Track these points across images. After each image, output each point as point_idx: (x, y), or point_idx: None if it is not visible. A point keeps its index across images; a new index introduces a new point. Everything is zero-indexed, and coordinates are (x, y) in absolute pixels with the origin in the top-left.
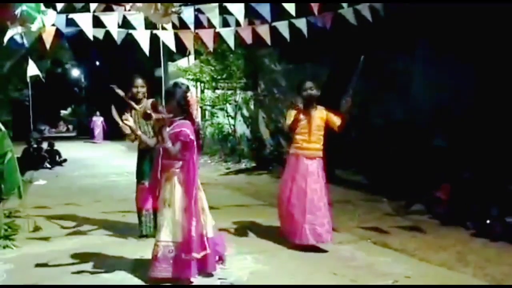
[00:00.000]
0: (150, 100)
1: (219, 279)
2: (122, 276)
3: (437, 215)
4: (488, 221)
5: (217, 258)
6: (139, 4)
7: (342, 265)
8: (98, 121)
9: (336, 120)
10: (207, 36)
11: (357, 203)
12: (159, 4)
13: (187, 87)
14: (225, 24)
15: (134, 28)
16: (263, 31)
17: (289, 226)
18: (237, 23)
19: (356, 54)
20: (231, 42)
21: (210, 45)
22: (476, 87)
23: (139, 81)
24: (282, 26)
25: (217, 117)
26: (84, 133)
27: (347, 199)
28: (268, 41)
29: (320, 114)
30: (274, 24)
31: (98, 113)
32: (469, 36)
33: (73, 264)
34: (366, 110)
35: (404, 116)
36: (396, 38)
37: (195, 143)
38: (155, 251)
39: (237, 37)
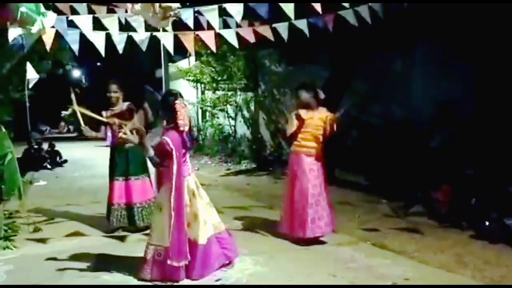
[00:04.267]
0: (126, 103)
1: (217, 280)
2: (121, 277)
3: (436, 216)
4: (487, 223)
5: (226, 262)
6: (137, 8)
7: (341, 266)
8: None
9: (331, 126)
10: (208, 37)
11: (356, 204)
12: (157, 8)
13: (175, 96)
14: (225, 25)
15: (133, 30)
16: (264, 30)
17: (292, 221)
18: (237, 24)
19: (356, 55)
20: (234, 42)
21: (213, 46)
22: (476, 88)
23: (113, 87)
24: (282, 27)
25: (218, 118)
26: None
27: (347, 200)
28: (271, 38)
29: (321, 115)
30: (274, 25)
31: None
32: (469, 36)
33: (72, 265)
34: (366, 110)
35: (404, 117)
36: (396, 39)
37: (174, 152)
38: (145, 253)
39: (238, 38)
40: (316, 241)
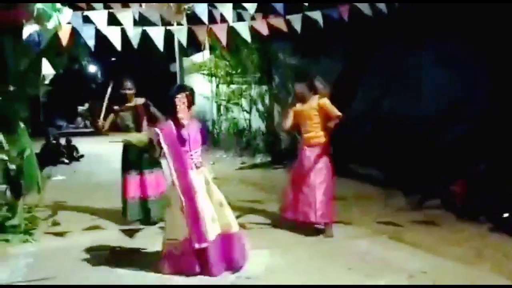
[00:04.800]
0: (141, 99)
1: (233, 273)
2: (137, 271)
3: (453, 209)
4: (506, 215)
5: (230, 267)
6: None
7: (357, 259)
8: None
9: (331, 108)
10: (220, 30)
11: (372, 197)
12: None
13: (178, 90)
14: (239, 19)
15: (148, 25)
16: (278, 22)
17: (285, 202)
18: (251, 17)
19: (370, 48)
20: (246, 35)
21: (224, 40)
22: (489, 82)
23: (127, 84)
24: (296, 19)
25: (232, 112)
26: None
27: (362, 193)
28: (285, 29)
29: (311, 105)
30: (288, 17)
31: None
32: (482, 32)
33: (90, 258)
34: (380, 104)
35: (419, 110)
36: (410, 33)
37: (163, 143)
38: (163, 249)
39: (252, 31)
40: (313, 228)
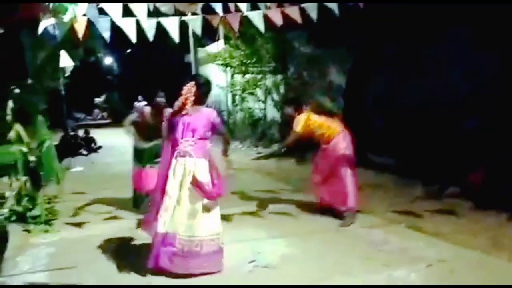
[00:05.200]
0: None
1: (250, 262)
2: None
3: (472, 198)
4: None
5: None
6: None
7: (374, 249)
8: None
9: (296, 123)
10: (233, 19)
11: (389, 187)
12: None
13: (190, 79)
14: (254, 8)
15: (162, 16)
16: (293, 11)
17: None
18: (266, 6)
19: (385, 37)
20: (260, 25)
21: (236, 27)
22: (505, 72)
23: (160, 94)
24: (311, 7)
25: (247, 101)
26: (119, 120)
27: (380, 183)
28: (299, 20)
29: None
30: (303, 5)
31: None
32: (502, 20)
33: (109, 248)
34: (399, 93)
35: (437, 99)
36: (428, 23)
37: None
38: None
39: (266, 20)
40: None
